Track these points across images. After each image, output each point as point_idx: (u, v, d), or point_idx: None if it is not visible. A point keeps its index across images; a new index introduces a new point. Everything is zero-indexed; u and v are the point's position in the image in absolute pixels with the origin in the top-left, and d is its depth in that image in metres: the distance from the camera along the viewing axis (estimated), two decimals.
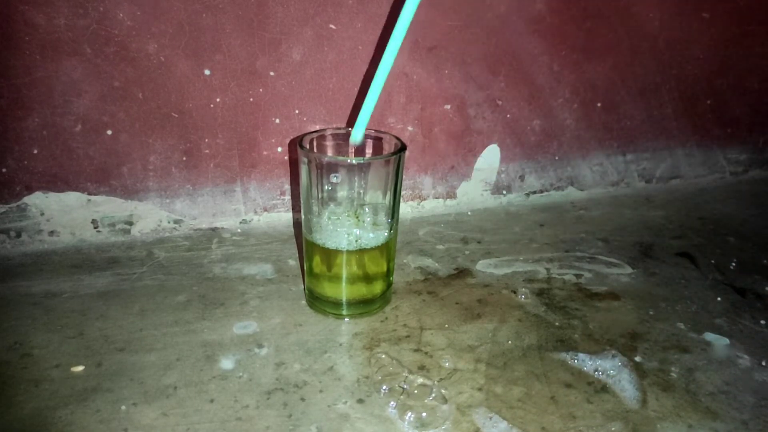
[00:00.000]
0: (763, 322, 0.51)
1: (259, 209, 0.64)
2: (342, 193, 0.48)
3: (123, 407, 0.38)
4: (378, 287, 0.49)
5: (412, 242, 0.63)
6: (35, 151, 0.55)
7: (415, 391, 0.41)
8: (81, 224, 0.59)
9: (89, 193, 0.58)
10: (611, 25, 0.71)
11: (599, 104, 0.74)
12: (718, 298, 0.54)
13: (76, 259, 0.56)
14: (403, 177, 0.59)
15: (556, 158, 0.75)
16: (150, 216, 0.61)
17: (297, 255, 0.59)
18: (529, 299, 0.53)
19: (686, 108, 0.79)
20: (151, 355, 0.43)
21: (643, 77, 0.75)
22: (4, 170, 0.55)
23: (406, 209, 0.69)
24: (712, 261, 0.61)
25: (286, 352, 0.45)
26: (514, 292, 0.54)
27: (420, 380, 0.42)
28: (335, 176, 0.47)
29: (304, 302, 0.51)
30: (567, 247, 0.63)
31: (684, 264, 0.61)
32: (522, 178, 0.74)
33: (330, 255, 0.47)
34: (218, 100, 0.58)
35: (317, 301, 0.50)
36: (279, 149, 0.62)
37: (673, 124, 0.79)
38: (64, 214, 0.58)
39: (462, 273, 0.57)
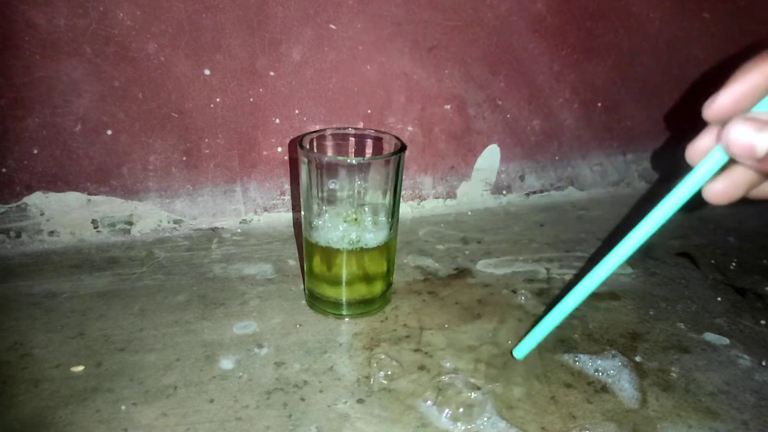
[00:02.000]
0: (763, 322, 0.51)
1: (259, 209, 0.64)
2: (342, 193, 0.48)
3: (123, 407, 0.38)
4: (378, 287, 0.49)
5: (412, 242, 0.63)
6: (35, 151, 0.55)
7: (449, 389, 0.41)
8: (81, 224, 0.59)
9: (89, 193, 0.58)
10: (611, 25, 0.71)
11: (599, 104, 0.74)
12: (718, 298, 0.54)
13: (76, 259, 0.56)
14: (403, 177, 0.59)
15: (556, 158, 0.75)
16: (150, 216, 0.61)
17: (297, 255, 0.59)
18: (529, 300, 0.53)
19: (686, 108, 0.79)
20: (151, 355, 0.43)
21: (643, 77, 0.75)
22: (4, 170, 0.55)
23: (406, 209, 0.69)
24: (712, 261, 0.61)
25: (286, 352, 0.45)
26: (514, 292, 0.54)
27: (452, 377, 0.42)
28: (333, 182, 0.47)
29: (304, 302, 0.51)
30: (567, 247, 0.63)
31: (684, 264, 0.61)
32: (522, 178, 0.74)
33: (330, 255, 0.47)
34: (218, 100, 0.58)
35: (317, 301, 0.50)
36: (279, 149, 0.62)
37: (673, 124, 0.79)
38: (64, 214, 0.58)
39: (462, 273, 0.57)
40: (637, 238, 0.34)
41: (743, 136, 0.27)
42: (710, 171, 0.30)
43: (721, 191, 0.31)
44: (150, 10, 0.53)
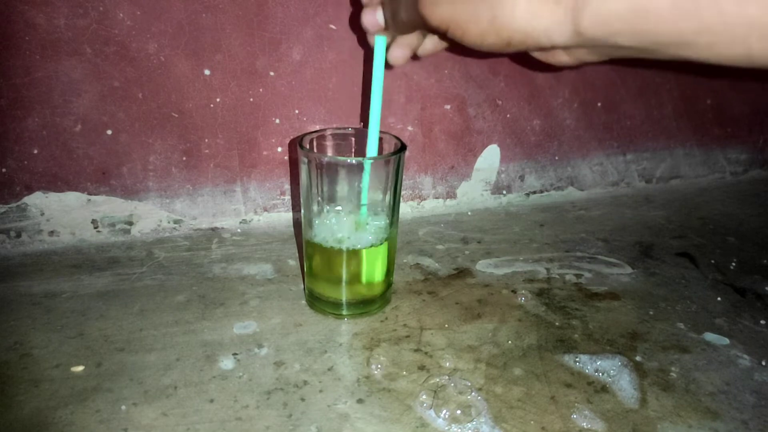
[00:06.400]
0: (763, 322, 0.51)
1: (259, 209, 0.64)
2: (342, 193, 0.48)
3: (123, 407, 0.38)
4: (378, 287, 0.49)
5: (412, 242, 0.63)
6: (35, 151, 0.55)
7: (447, 389, 0.41)
8: (81, 224, 0.59)
9: (89, 193, 0.58)
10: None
11: (599, 104, 0.74)
12: (718, 298, 0.54)
13: (76, 259, 0.56)
14: (403, 177, 0.59)
15: (556, 158, 0.75)
16: (150, 216, 0.61)
17: (297, 255, 0.59)
18: (529, 300, 0.53)
19: (686, 108, 0.79)
20: (151, 355, 0.44)
21: (643, 77, 0.75)
22: (4, 170, 0.55)
23: (406, 209, 0.69)
24: (712, 261, 0.61)
25: (286, 352, 0.45)
26: (514, 292, 0.54)
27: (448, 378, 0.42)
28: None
29: (304, 302, 0.51)
30: (567, 247, 0.63)
31: (684, 264, 0.61)
32: (522, 178, 0.74)
33: (330, 255, 0.47)
34: (218, 100, 0.58)
35: (317, 301, 0.50)
36: (279, 149, 0.62)
37: (673, 124, 0.79)
38: (64, 214, 0.58)
39: (462, 273, 0.57)
40: (376, 108, 0.46)
41: (368, 14, 0.43)
42: (382, 45, 0.45)
43: (399, 55, 0.45)
44: (150, 10, 0.53)
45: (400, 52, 0.45)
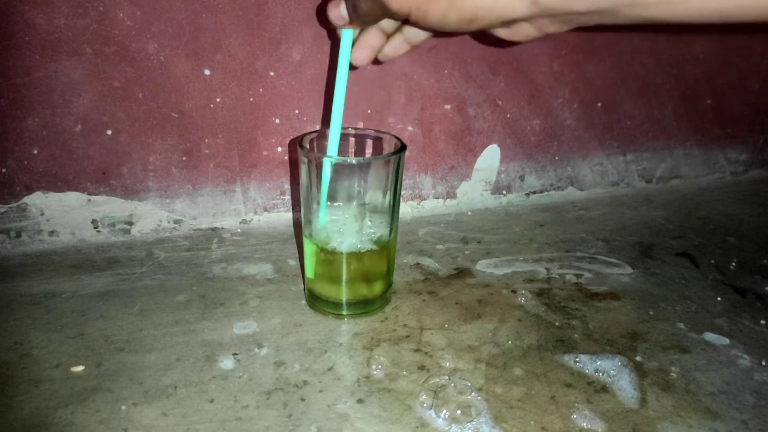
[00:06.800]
0: (763, 322, 0.51)
1: (259, 209, 0.64)
2: (342, 193, 0.48)
3: (123, 407, 0.38)
4: (378, 287, 0.49)
5: (412, 242, 0.63)
6: (35, 151, 0.55)
7: (447, 389, 0.41)
8: (81, 224, 0.59)
9: (89, 193, 0.58)
10: (611, 24, 0.70)
11: (599, 104, 0.74)
12: (718, 298, 0.54)
13: (76, 259, 0.56)
14: (403, 177, 0.59)
15: (556, 158, 0.75)
16: (150, 216, 0.61)
17: (297, 255, 0.59)
18: (529, 300, 0.53)
19: (686, 108, 0.79)
20: (151, 355, 0.44)
21: (643, 77, 0.75)
22: (4, 170, 0.55)
23: (406, 209, 0.69)
24: (712, 261, 0.61)
25: (286, 352, 0.45)
26: (514, 292, 0.54)
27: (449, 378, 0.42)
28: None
29: (304, 302, 0.51)
30: (567, 247, 0.63)
31: (684, 264, 0.61)
32: (522, 178, 0.74)
33: (330, 255, 0.47)
34: (218, 100, 0.58)
35: (317, 301, 0.50)
36: (279, 149, 0.62)
37: (673, 124, 0.79)
38: (64, 214, 0.58)
39: (462, 273, 0.57)
40: (339, 102, 0.46)
41: (332, 8, 0.43)
42: (347, 43, 0.45)
43: (360, 56, 0.46)
44: (150, 10, 0.53)
45: (361, 53, 0.46)
